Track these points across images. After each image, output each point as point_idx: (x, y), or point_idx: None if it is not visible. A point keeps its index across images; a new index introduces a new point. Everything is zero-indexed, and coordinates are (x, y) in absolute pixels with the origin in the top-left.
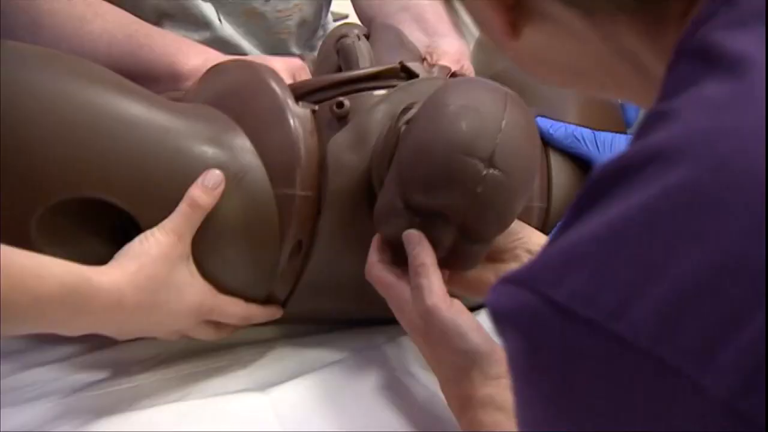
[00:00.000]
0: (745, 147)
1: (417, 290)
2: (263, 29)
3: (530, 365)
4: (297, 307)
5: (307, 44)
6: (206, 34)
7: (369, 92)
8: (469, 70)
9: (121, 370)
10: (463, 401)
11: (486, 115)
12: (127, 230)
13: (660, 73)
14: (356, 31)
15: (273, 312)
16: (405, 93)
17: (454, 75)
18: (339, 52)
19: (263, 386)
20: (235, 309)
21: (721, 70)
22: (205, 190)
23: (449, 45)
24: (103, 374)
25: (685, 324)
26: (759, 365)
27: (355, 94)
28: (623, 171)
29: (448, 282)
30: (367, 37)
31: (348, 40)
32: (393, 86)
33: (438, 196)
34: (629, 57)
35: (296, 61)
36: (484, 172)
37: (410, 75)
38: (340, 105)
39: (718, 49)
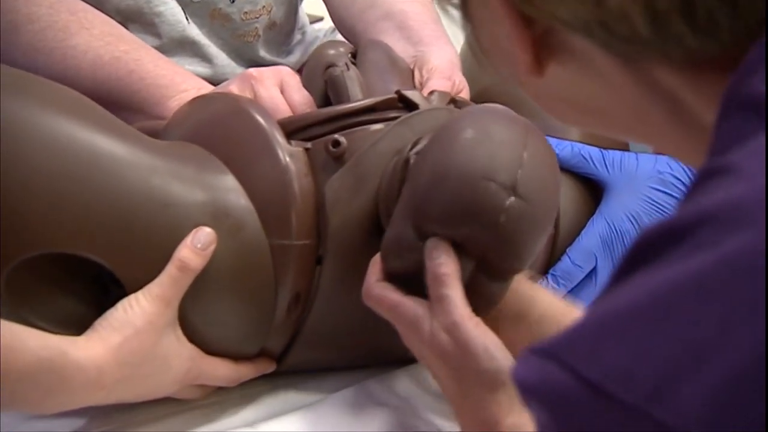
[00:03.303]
0: None
1: (441, 302)
2: (229, 31)
3: None
4: (294, 360)
5: (280, 49)
6: (174, 35)
7: (366, 127)
8: (462, 84)
9: (101, 412)
10: (489, 425)
11: (507, 143)
12: (106, 284)
13: (706, 120)
14: (344, 60)
15: (264, 367)
16: (406, 127)
17: (453, 100)
18: (327, 83)
19: (252, 423)
20: (224, 371)
21: None
22: (195, 251)
23: (438, 58)
24: (85, 417)
25: (741, 411)
26: None
27: (350, 130)
28: (674, 233)
29: None
30: (354, 55)
31: (336, 71)
32: (391, 118)
33: (456, 226)
34: (667, 101)
35: (282, 68)
36: (507, 201)
37: (408, 104)
38: (336, 144)
39: None
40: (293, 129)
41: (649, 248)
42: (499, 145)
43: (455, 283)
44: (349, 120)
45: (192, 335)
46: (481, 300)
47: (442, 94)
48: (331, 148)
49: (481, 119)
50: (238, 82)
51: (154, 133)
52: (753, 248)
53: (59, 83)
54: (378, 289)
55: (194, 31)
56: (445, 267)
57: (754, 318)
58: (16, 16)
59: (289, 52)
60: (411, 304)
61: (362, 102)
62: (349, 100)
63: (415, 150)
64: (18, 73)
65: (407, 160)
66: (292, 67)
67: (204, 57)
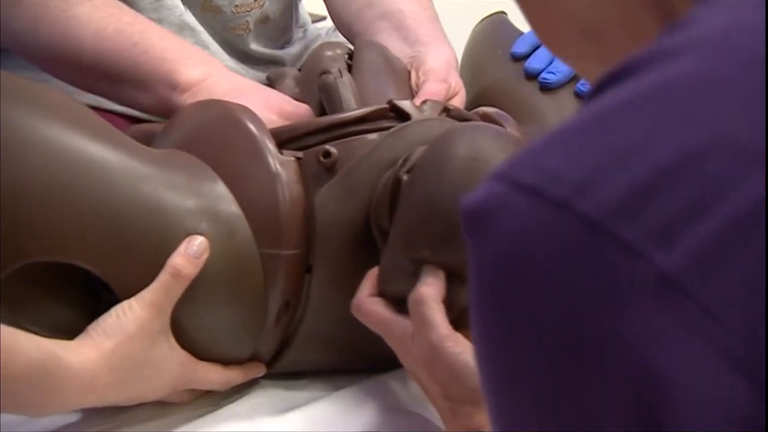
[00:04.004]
0: (759, 41)
1: (420, 324)
2: (220, 23)
3: (490, 269)
4: (285, 365)
5: (275, 43)
6: (173, 19)
7: (357, 137)
8: (458, 86)
9: (98, 412)
10: None
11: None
12: (99, 290)
13: None
14: (339, 65)
15: (254, 372)
16: (397, 139)
17: (446, 110)
18: (320, 90)
19: (253, 420)
20: (214, 376)
21: None
22: (188, 259)
23: (435, 59)
24: (78, 416)
25: (653, 207)
26: (723, 251)
27: (342, 140)
28: (628, 67)
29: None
30: (350, 56)
31: (329, 78)
32: (383, 128)
33: (450, 255)
34: (661, 8)
35: (303, 109)
36: None
37: (400, 114)
38: (327, 154)
39: None
40: (285, 138)
41: (605, 82)
42: (489, 170)
43: (434, 304)
44: (341, 130)
45: (183, 340)
46: None
47: (435, 103)
48: (322, 158)
49: (469, 140)
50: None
51: (149, 137)
52: (692, 69)
53: (61, 55)
54: (369, 304)
55: (190, 18)
56: (426, 288)
57: (682, 123)
58: None
59: (286, 44)
60: (400, 322)
61: (354, 112)
62: (342, 109)
63: (406, 168)
64: (10, 78)
65: (398, 180)
66: (290, 60)
67: (201, 44)
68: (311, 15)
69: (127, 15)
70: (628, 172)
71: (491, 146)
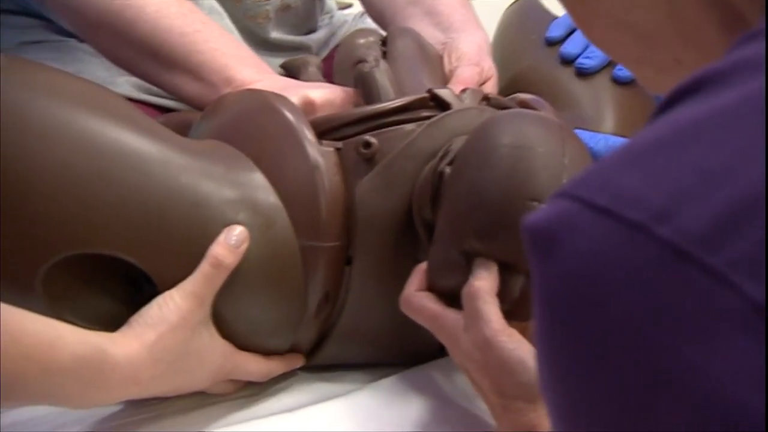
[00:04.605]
0: None
1: (473, 318)
2: (241, 11)
3: (558, 293)
4: (325, 356)
5: (297, 30)
6: (203, 2)
7: (397, 127)
8: (491, 71)
9: (141, 400)
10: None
11: (546, 155)
12: (140, 282)
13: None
14: (374, 53)
15: (294, 362)
16: (437, 129)
17: (486, 98)
18: (357, 79)
19: (292, 409)
20: (255, 366)
21: None
22: (228, 249)
23: (467, 44)
24: (122, 404)
25: (741, 235)
26: None
27: (381, 131)
28: (706, 79)
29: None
30: (384, 42)
31: (366, 67)
32: (422, 118)
33: (501, 245)
34: (723, 10)
35: (338, 92)
36: None
37: (440, 103)
38: (367, 145)
39: None
40: (324, 129)
41: (681, 93)
42: (538, 159)
43: (488, 298)
44: (380, 120)
45: (224, 331)
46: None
47: (474, 91)
48: (362, 149)
49: (515, 128)
50: (297, 101)
51: (184, 126)
52: None
53: (114, 21)
54: (418, 299)
55: (216, 3)
56: (480, 281)
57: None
58: None
59: (311, 31)
60: (451, 316)
61: (394, 102)
62: (380, 99)
63: (447, 160)
64: (47, 70)
65: (441, 173)
66: (316, 46)
67: (227, 28)
68: (338, 2)
69: (189, 3)
70: (714, 197)
71: (536, 133)
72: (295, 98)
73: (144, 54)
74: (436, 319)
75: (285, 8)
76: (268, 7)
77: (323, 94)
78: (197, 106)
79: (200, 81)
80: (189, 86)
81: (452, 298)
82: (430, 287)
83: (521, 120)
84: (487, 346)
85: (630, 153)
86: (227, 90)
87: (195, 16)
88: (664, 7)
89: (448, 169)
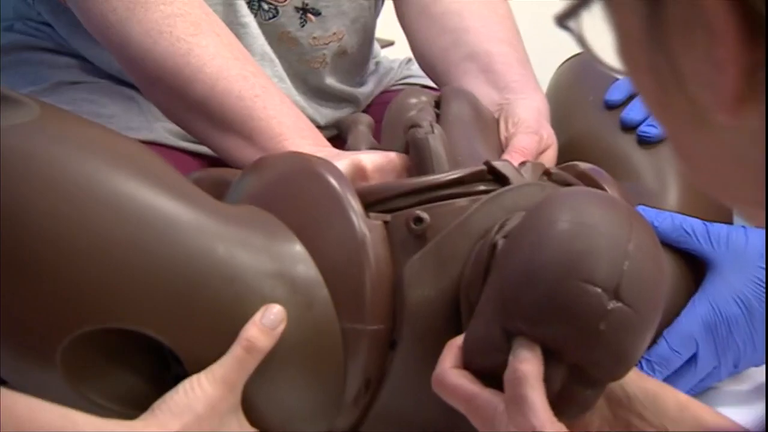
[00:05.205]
0: None
1: (519, 404)
2: (296, 55)
3: None
4: None
5: (352, 79)
6: (256, 48)
7: (450, 201)
8: (550, 139)
9: None
10: None
11: (609, 237)
12: (168, 359)
13: None
14: (429, 117)
15: None
16: (495, 206)
17: (547, 172)
18: (409, 145)
19: None
20: None
21: None
22: (264, 331)
23: (525, 109)
24: None
25: None
26: None
27: (433, 205)
28: None
29: None
30: (437, 104)
31: (420, 132)
32: (478, 192)
33: (549, 330)
34: None
35: (392, 159)
36: (609, 306)
37: (498, 177)
38: (419, 220)
39: None
40: (372, 200)
41: None
42: (599, 239)
43: (536, 384)
44: (433, 193)
45: (254, 418)
46: (572, 407)
47: (535, 165)
48: (412, 225)
49: (579, 205)
50: (348, 167)
51: (220, 184)
52: None
53: (171, 78)
54: (454, 377)
55: (269, 49)
56: (527, 365)
57: None
58: None
59: (362, 83)
60: (490, 398)
61: (448, 175)
62: (433, 169)
63: (503, 232)
64: (79, 122)
65: (494, 245)
66: (363, 99)
67: (278, 76)
68: (379, 40)
69: (252, 65)
70: None
71: (601, 213)
72: (344, 162)
73: (199, 114)
74: (473, 399)
75: (342, 53)
76: (325, 51)
77: (375, 159)
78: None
79: (253, 147)
80: (241, 151)
81: (489, 378)
82: (466, 365)
83: (586, 197)
84: None
85: None
86: None
87: (256, 80)
88: None
89: (501, 242)
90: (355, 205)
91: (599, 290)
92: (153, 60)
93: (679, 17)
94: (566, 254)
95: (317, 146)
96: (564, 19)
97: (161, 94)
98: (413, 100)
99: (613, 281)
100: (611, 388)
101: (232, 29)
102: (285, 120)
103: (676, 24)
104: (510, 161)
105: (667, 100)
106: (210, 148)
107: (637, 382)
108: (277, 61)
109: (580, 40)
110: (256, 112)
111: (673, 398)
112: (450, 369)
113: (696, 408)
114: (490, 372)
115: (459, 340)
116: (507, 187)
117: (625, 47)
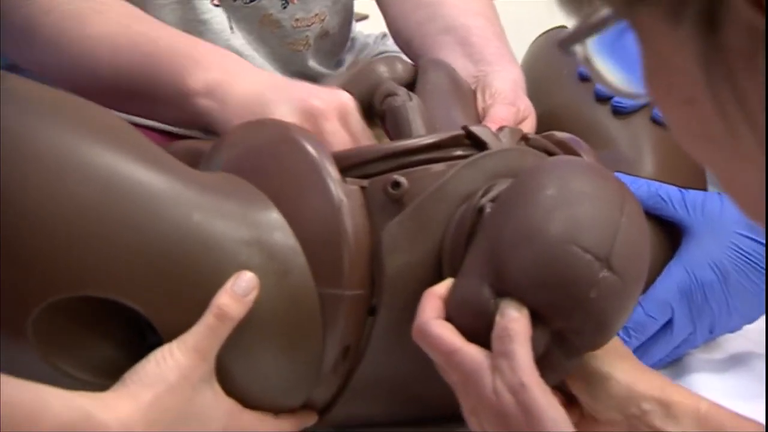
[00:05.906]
0: None
1: (508, 359)
2: (278, 38)
3: None
4: (338, 413)
5: (332, 60)
6: (219, 43)
7: (428, 166)
8: (527, 111)
9: None
10: None
11: (605, 207)
12: (144, 329)
13: None
14: (404, 89)
15: (306, 420)
16: (474, 170)
17: (525, 138)
18: (386, 113)
19: None
20: (263, 427)
21: None
22: (235, 298)
23: (502, 81)
24: None
25: None
26: None
27: (411, 170)
28: None
29: None
30: (413, 84)
31: (398, 101)
32: (456, 157)
33: (539, 294)
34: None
35: (342, 95)
36: (600, 275)
37: (475, 142)
38: (396, 184)
39: None
40: (348, 165)
41: None
42: (595, 209)
43: (524, 342)
44: (410, 158)
45: (230, 388)
46: (550, 374)
47: (513, 130)
48: (390, 189)
49: (575, 173)
50: (299, 114)
51: (194, 156)
52: None
53: (81, 78)
54: (437, 327)
55: (238, 41)
56: (516, 323)
57: None
58: (30, 9)
59: (339, 64)
60: (473, 352)
61: (426, 139)
62: (410, 135)
63: (489, 196)
64: (49, 92)
65: (481, 209)
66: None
67: (259, 65)
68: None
69: (140, 23)
70: None
71: (593, 183)
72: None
73: (115, 96)
74: (455, 353)
75: (324, 35)
76: (308, 33)
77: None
78: (187, 127)
79: (167, 104)
80: (162, 112)
81: (469, 337)
82: (448, 318)
83: (581, 167)
84: (523, 391)
85: None
86: (192, 101)
87: (143, 38)
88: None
89: (489, 205)
90: (331, 171)
91: (592, 258)
92: (62, 71)
93: (739, 48)
94: (562, 221)
95: (224, 65)
96: (570, 43)
97: (84, 95)
98: (383, 68)
99: (605, 251)
100: (625, 403)
101: (191, 27)
102: (177, 65)
103: (738, 55)
104: (488, 127)
105: (712, 131)
106: (161, 121)
107: (651, 392)
108: (248, 53)
109: (587, 64)
110: (153, 70)
111: (693, 408)
112: (433, 319)
113: (716, 415)
114: (472, 330)
115: (438, 289)
116: (485, 152)
117: (662, 78)
